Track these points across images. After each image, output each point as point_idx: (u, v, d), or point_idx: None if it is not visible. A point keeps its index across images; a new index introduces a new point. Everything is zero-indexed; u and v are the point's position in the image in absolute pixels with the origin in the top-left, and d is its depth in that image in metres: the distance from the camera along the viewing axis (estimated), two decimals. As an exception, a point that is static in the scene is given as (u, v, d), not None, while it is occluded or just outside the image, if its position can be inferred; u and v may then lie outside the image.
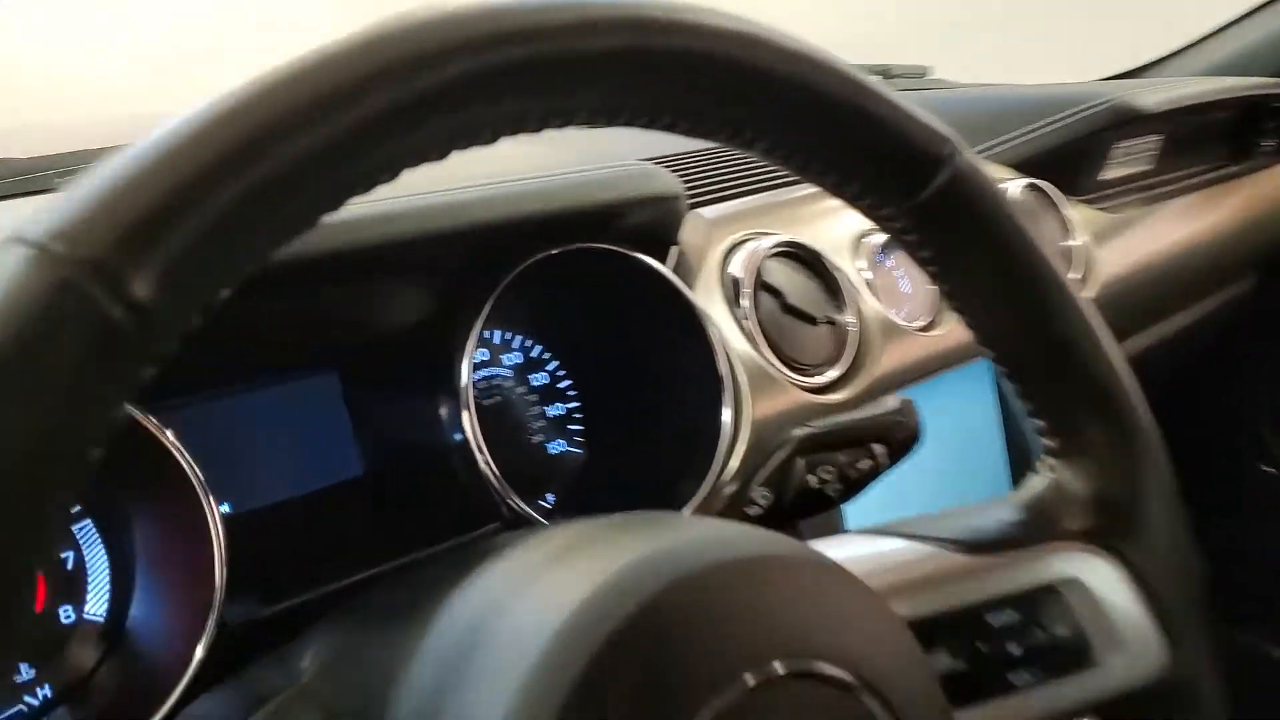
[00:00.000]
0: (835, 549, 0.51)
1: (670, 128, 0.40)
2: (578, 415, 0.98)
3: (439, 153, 0.34)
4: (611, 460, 0.98)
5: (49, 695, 0.70)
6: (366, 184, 0.33)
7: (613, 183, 0.78)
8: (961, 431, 1.06)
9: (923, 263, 0.50)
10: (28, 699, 0.69)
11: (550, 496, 0.96)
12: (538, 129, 0.36)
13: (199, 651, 0.63)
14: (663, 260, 0.92)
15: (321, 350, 0.83)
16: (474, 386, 0.92)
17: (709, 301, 0.90)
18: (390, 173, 0.34)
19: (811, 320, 0.94)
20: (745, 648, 0.38)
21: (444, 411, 0.76)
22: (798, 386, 0.91)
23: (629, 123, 0.39)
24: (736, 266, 0.92)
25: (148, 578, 0.70)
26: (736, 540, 0.43)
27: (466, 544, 0.76)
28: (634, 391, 0.96)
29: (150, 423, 0.64)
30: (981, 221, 0.49)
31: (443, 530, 0.80)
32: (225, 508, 0.81)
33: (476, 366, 0.93)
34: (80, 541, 0.72)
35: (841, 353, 0.96)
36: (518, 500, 0.77)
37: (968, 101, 1.48)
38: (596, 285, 0.91)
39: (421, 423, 0.77)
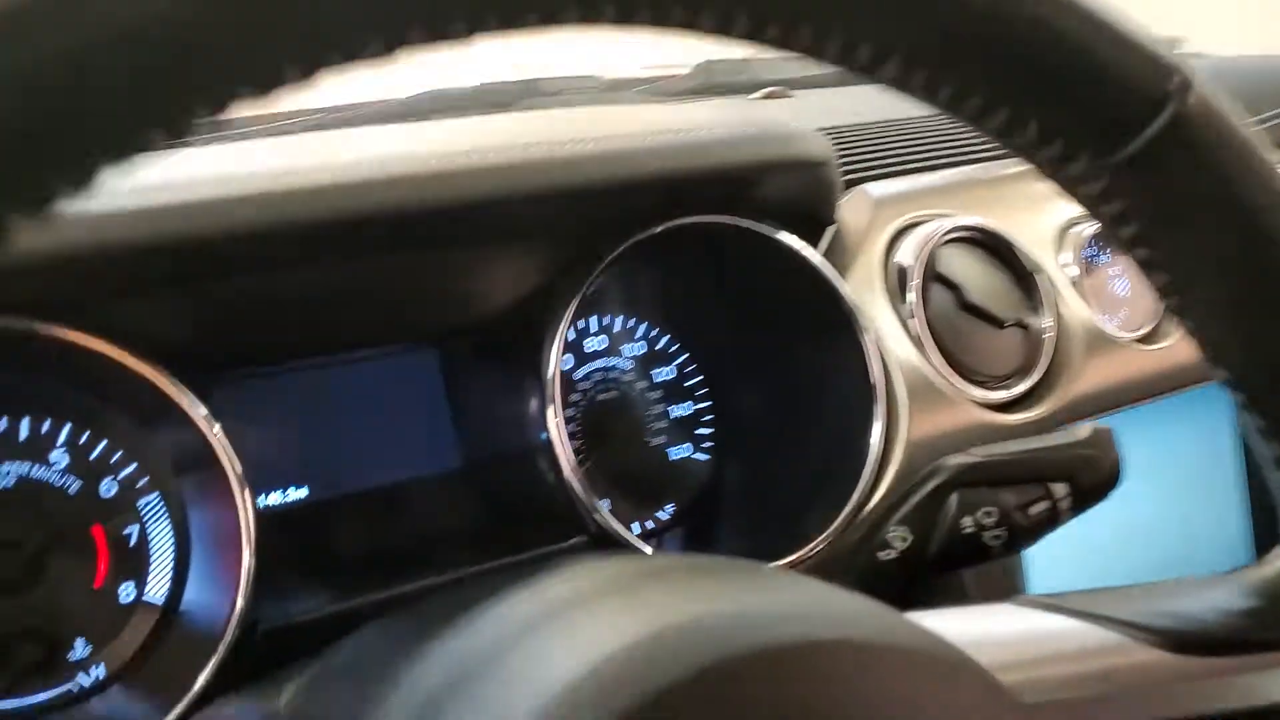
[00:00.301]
0: (971, 623, 0.38)
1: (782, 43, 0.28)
2: (707, 418, 0.86)
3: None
4: (741, 472, 0.85)
5: (102, 675, 0.65)
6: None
7: (750, 143, 0.65)
8: (1186, 477, 0.85)
9: (1128, 243, 0.35)
10: (81, 677, 0.64)
11: (669, 507, 0.84)
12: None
13: (219, 651, 0.56)
14: (814, 242, 0.79)
15: (422, 327, 0.75)
16: (583, 379, 0.82)
17: (867, 294, 0.76)
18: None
19: (997, 322, 0.78)
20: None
21: (533, 405, 0.66)
22: (973, 402, 0.75)
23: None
24: (905, 253, 0.77)
25: (200, 565, 0.64)
26: (816, 612, 0.30)
27: (509, 566, 0.65)
28: (773, 395, 0.83)
29: (197, 412, 0.58)
30: (1219, 185, 0.34)
31: (530, 539, 0.70)
32: (304, 492, 0.74)
33: (590, 356, 0.83)
34: (145, 517, 0.67)
35: (1034, 364, 0.79)
36: (604, 514, 0.65)
37: (1232, 72, 1.23)
38: (733, 269, 0.79)
39: (513, 416, 0.68)
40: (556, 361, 0.66)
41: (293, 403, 0.74)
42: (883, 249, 0.78)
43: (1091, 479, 0.56)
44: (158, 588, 0.67)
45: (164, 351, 0.64)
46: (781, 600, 0.32)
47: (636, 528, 0.83)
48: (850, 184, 0.83)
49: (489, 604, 0.35)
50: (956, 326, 0.77)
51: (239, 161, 0.62)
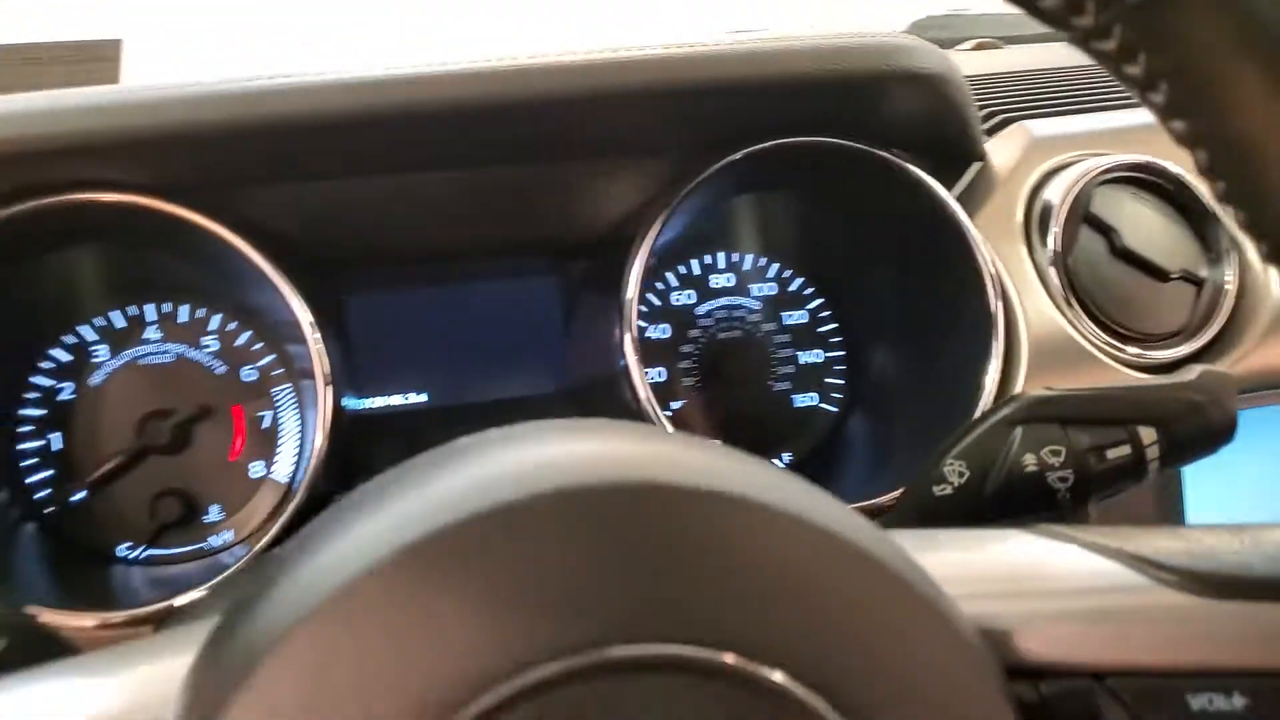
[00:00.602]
0: (969, 545, 0.35)
1: None
2: (838, 367, 0.82)
3: None
4: (864, 424, 0.81)
5: (230, 539, 0.72)
6: None
7: (849, 52, 0.61)
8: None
9: (1161, 113, 0.30)
10: (213, 538, 0.72)
11: (786, 455, 0.81)
12: None
13: (266, 537, 0.60)
14: (956, 177, 0.73)
15: (538, 242, 0.77)
16: (705, 315, 0.81)
17: (1004, 233, 0.69)
18: None
19: (1160, 274, 0.68)
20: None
21: (615, 330, 0.66)
22: (1121, 361, 0.67)
23: None
24: (1053, 190, 0.70)
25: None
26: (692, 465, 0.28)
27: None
28: (899, 343, 0.78)
29: (304, 319, 0.62)
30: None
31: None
32: (424, 397, 0.79)
33: (715, 292, 0.81)
34: (277, 404, 0.74)
35: (1206, 323, 0.69)
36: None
37: None
38: (865, 206, 0.74)
39: (607, 340, 0.68)
40: (636, 285, 0.65)
41: (420, 316, 0.79)
42: (1030, 187, 0.71)
43: (1192, 428, 0.47)
44: (283, 467, 0.74)
45: (303, 255, 0.70)
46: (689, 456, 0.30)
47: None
48: (1007, 122, 0.77)
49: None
50: (1106, 276, 0.68)
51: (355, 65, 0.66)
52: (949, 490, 0.50)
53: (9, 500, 0.67)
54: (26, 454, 0.70)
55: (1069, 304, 0.68)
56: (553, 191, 0.72)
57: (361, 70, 0.61)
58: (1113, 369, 0.67)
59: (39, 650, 0.41)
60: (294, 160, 0.63)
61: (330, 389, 0.63)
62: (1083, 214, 0.68)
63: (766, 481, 0.28)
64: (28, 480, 0.69)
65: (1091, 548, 0.35)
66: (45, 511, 0.69)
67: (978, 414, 0.65)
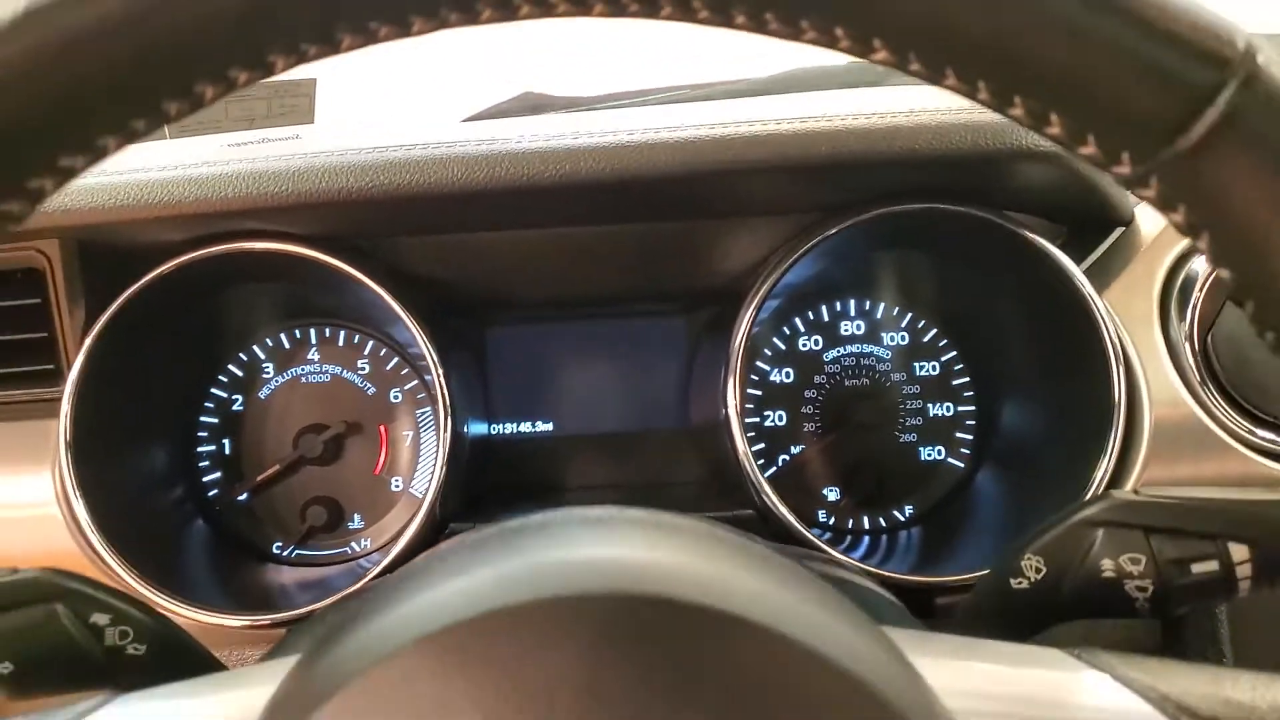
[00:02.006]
0: (1003, 666, 0.35)
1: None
2: (968, 422, 0.81)
3: None
4: (990, 488, 0.79)
5: (369, 546, 0.79)
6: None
7: (979, 129, 0.60)
8: None
9: (1210, 260, 0.30)
10: (354, 544, 0.79)
11: (908, 508, 0.80)
12: None
13: (396, 548, 0.66)
14: (1096, 242, 0.70)
15: (668, 292, 0.80)
16: (831, 362, 0.81)
17: (1140, 307, 0.66)
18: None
19: (1319, 358, 0.63)
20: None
21: (722, 375, 0.67)
22: (1251, 447, 0.63)
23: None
24: (1200, 260, 0.66)
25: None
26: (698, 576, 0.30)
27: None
28: (1027, 409, 0.75)
29: (430, 354, 0.68)
30: None
31: (707, 506, 0.72)
32: (549, 426, 0.83)
33: (843, 339, 0.81)
34: (420, 425, 0.80)
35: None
36: (770, 496, 0.66)
37: None
38: (998, 267, 0.73)
39: (718, 384, 0.70)
40: (745, 333, 0.67)
41: (552, 351, 0.83)
42: (1175, 256, 0.67)
43: (1289, 549, 0.45)
44: (420, 484, 0.80)
45: (446, 296, 0.76)
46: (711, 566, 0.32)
47: (867, 522, 0.81)
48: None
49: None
50: (1249, 355, 0.64)
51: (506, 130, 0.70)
52: (1024, 585, 0.49)
53: (184, 497, 0.76)
54: (202, 456, 0.79)
55: (1204, 384, 0.64)
56: (682, 246, 0.74)
57: (515, 141, 0.63)
58: (1245, 456, 0.63)
59: (173, 657, 0.48)
60: (445, 220, 0.69)
61: (450, 418, 0.68)
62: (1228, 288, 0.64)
63: (769, 602, 0.29)
64: (203, 480, 0.79)
65: (1126, 682, 0.34)
66: (214, 510, 0.78)
67: (1087, 497, 0.63)
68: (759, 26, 0.28)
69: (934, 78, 0.28)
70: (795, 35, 0.28)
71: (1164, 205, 0.29)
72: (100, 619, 0.46)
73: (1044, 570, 0.49)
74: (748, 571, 0.31)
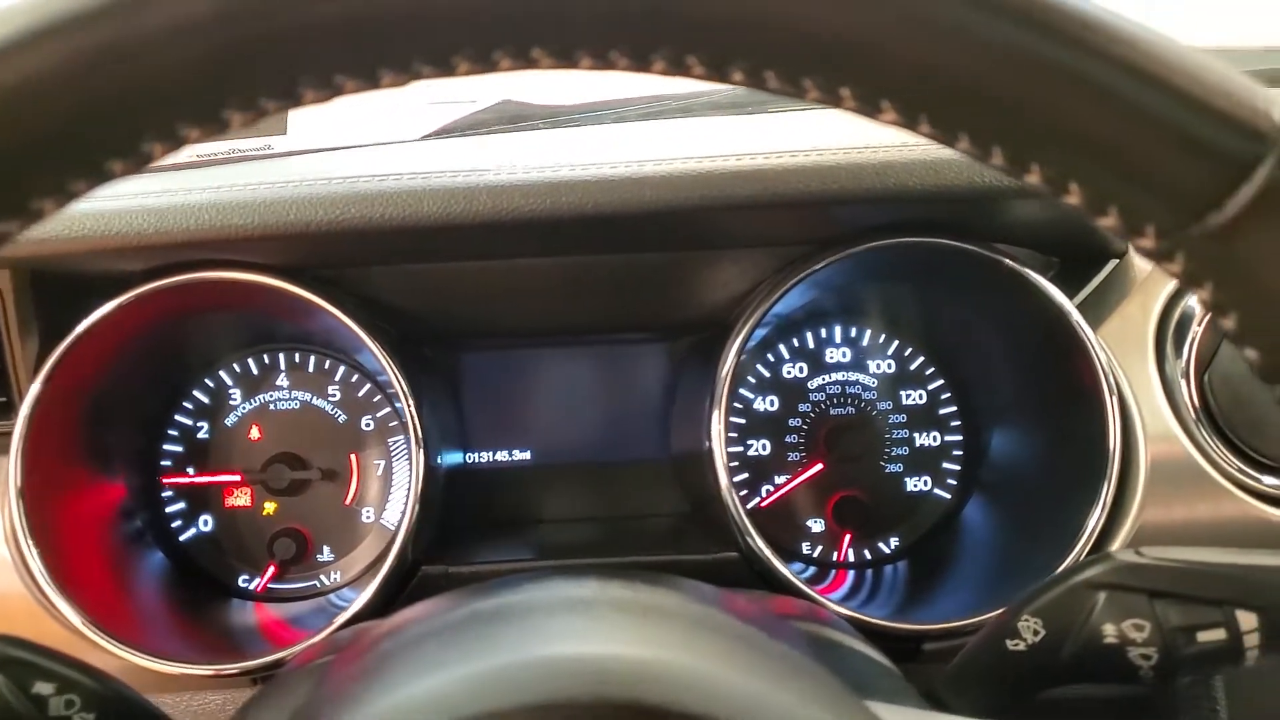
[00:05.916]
0: None
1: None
2: (955, 452, 0.79)
3: None
4: (977, 521, 0.77)
5: (339, 579, 0.77)
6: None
7: (961, 166, 0.58)
8: None
9: (1233, 338, 0.28)
10: (323, 577, 0.77)
11: (894, 540, 0.78)
12: None
13: (373, 584, 0.63)
14: (1089, 274, 0.68)
15: (649, 322, 0.78)
16: (816, 390, 0.79)
17: (1134, 343, 0.64)
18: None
19: (1316, 398, 0.62)
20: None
21: (705, 407, 0.65)
22: (1246, 490, 0.61)
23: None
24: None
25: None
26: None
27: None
28: (1017, 444, 0.73)
29: (400, 385, 0.65)
30: None
31: (688, 544, 0.70)
32: (526, 455, 0.80)
33: (828, 367, 0.79)
34: (392, 454, 0.77)
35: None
36: (755, 539, 0.63)
37: None
38: (987, 298, 0.71)
39: (699, 417, 0.67)
40: (731, 367, 0.64)
41: (528, 380, 0.80)
42: (1171, 291, 0.66)
43: (1299, 618, 0.43)
44: (392, 515, 0.77)
45: (417, 325, 0.73)
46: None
47: (851, 555, 0.79)
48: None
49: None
50: (1245, 394, 0.62)
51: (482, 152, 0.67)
52: (1021, 647, 0.47)
53: (144, 528, 0.73)
54: (164, 487, 0.76)
55: (1199, 423, 0.62)
56: (665, 277, 0.72)
57: (493, 172, 0.60)
58: (1240, 500, 0.61)
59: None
60: (418, 250, 0.66)
61: (423, 451, 0.65)
62: (1229, 327, 0.62)
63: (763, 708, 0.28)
64: (165, 510, 0.76)
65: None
66: (176, 543, 0.75)
67: (1075, 548, 0.61)
68: (759, 84, 0.26)
69: (947, 140, 0.26)
70: (799, 94, 0.26)
71: (1190, 281, 0.27)
72: (44, 688, 0.43)
73: (1042, 633, 0.47)
74: (736, 672, 0.30)
